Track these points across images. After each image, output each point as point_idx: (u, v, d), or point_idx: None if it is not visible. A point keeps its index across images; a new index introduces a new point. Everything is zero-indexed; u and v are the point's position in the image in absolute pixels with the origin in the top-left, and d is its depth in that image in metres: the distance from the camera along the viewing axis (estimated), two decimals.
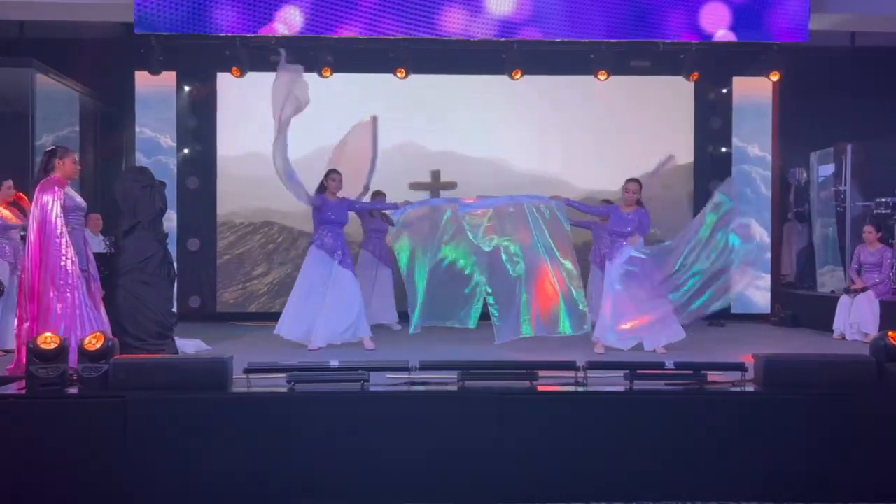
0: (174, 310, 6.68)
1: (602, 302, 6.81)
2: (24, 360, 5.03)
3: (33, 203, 5.33)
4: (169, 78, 9.15)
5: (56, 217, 5.21)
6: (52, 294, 5.14)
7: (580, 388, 4.66)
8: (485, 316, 6.96)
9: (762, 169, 9.72)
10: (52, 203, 5.23)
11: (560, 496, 4.39)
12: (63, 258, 5.18)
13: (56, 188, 5.29)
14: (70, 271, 5.19)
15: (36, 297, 5.14)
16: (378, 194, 8.28)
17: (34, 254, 5.17)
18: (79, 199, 5.48)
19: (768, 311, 9.41)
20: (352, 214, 7.57)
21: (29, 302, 5.18)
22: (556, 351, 6.43)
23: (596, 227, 8.40)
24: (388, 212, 7.94)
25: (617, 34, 8.16)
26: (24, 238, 6.04)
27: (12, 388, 4.61)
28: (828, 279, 9.42)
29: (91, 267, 5.49)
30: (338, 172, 6.99)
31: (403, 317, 8.24)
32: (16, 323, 5.39)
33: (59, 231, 5.20)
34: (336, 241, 6.83)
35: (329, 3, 7.89)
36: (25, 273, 5.27)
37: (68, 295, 5.17)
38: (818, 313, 8.38)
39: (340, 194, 6.98)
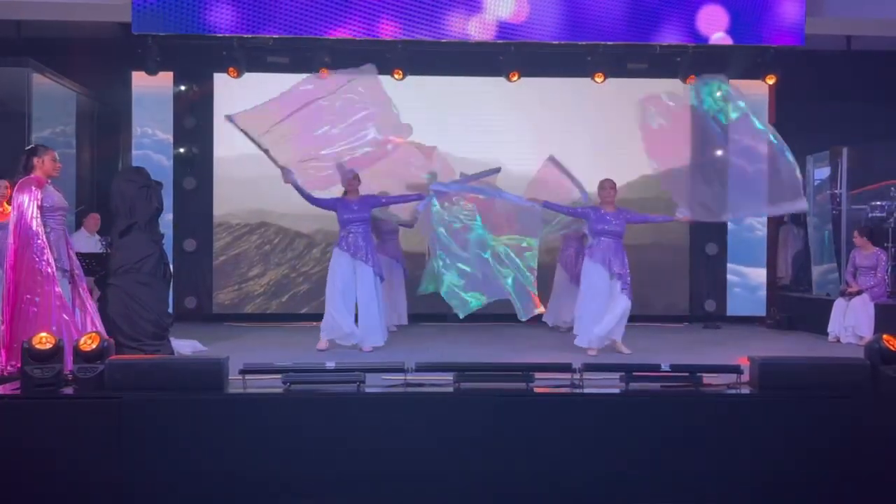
0: (170, 310, 6.69)
1: (583, 303, 6.72)
2: (5, 361, 5.03)
3: (11, 204, 5.24)
4: (166, 78, 9.13)
5: (31, 218, 5.10)
6: (26, 297, 5.06)
7: (576, 390, 4.67)
8: (480, 317, 6.96)
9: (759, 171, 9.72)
10: (27, 203, 5.12)
11: (556, 497, 4.39)
12: (39, 260, 5.08)
13: (33, 188, 5.17)
14: (47, 274, 5.08)
15: (11, 300, 5.06)
16: (384, 194, 8.24)
17: (10, 256, 5.10)
18: (59, 198, 5.35)
19: (764, 313, 9.43)
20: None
21: (5, 304, 5.13)
22: (552, 353, 6.44)
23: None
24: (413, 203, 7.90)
25: (614, 37, 8.17)
26: None
27: (7, 389, 4.60)
28: (823, 282, 9.44)
29: (75, 267, 5.41)
30: (354, 171, 7.00)
31: (423, 317, 8.34)
32: None
33: (35, 232, 5.09)
34: (357, 239, 6.80)
35: (326, 4, 7.89)
36: (5, 274, 5.21)
37: (44, 298, 5.07)
38: (813, 316, 8.39)
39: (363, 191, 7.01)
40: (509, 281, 6.49)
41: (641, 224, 7.12)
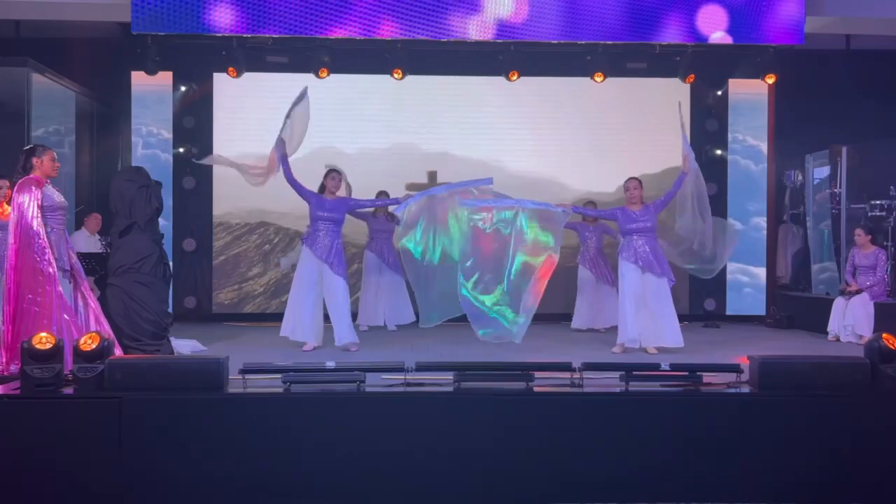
0: (170, 310, 6.68)
1: (623, 303, 6.73)
2: (7, 361, 5.03)
3: (11, 204, 5.23)
4: (165, 78, 9.13)
5: (32, 218, 5.10)
6: (28, 297, 5.05)
7: (576, 390, 4.67)
8: None
9: (758, 171, 9.74)
10: (28, 203, 5.11)
11: (556, 497, 4.39)
12: (40, 260, 5.07)
13: (33, 188, 5.17)
14: (48, 273, 5.08)
15: (12, 300, 5.06)
16: (381, 194, 8.26)
17: (11, 256, 5.09)
18: (58, 198, 5.34)
19: (763, 312, 9.43)
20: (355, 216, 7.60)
21: (5, 304, 5.12)
22: (552, 352, 6.44)
23: (582, 227, 8.42)
24: (391, 207, 7.94)
25: (613, 36, 8.17)
26: None
27: (7, 389, 4.60)
28: (822, 281, 9.44)
29: (75, 267, 5.39)
30: (337, 172, 7.02)
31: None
32: None
33: (36, 232, 5.09)
34: (327, 239, 6.78)
35: (326, 4, 7.89)
36: (5, 275, 5.20)
37: (45, 298, 5.06)
38: (813, 315, 8.40)
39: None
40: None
41: (675, 196, 7.04)
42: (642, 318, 6.68)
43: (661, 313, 6.70)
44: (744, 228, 9.55)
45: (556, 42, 8.24)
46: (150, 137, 9.32)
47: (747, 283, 9.64)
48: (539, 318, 8.20)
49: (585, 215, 7.94)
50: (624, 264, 6.77)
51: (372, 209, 8.29)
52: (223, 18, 7.85)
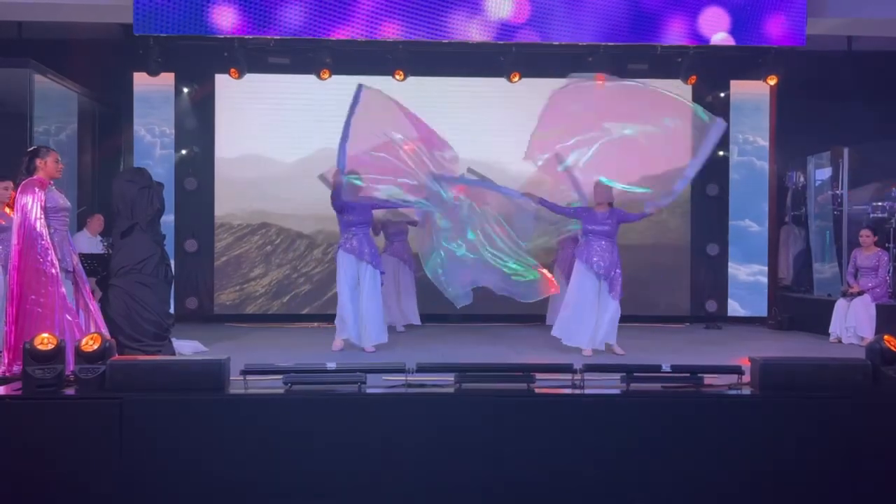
0: (171, 311, 6.69)
1: (568, 302, 6.75)
2: (10, 362, 5.04)
3: (15, 205, 5.24)
4: (167, 79, 9.14)
5: (36, 219, 5.11)
6: (31, 297, 5.06)
7: (577, 391, 4.68)
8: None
9: (759, 172, 9.73)
10: (31, 204, 5.13)
11: (556, 498, 4.39)
12: (43, 261, 5.08)
13: (36, 189, 5.18)
14: (51, 274, 5.09)
15: (15, 301, 5.06)
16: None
17: (15, 257, 5.10)
18: (62, 199, 5.36)
19: (765, 314, 9.43)
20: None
21: (9, 305, 5.13)
22: (553, 353, 6.45)
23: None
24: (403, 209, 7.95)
25: (615, 37, 8.17)
26: None
27: (8, 389, 4.61)
28: (823, 282, 9.44)
29: (77, 269, 5.39)
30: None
31: (425, 318, 8.35)
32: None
33: (39, 233, 5.10)
34: (362, 242, 6.83)
35: (328, 5, 7.89)
36: (8, 276, 5.21)
37: (48, 299, 5.06)
38: (815, 317, 8.40)
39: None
40: (510, 264, 6.58)
41: (634, 222, 7.11)
42: (590, 319, 6.67)
43: (602, 318, 6.67)
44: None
45: (557, 43, 8.24)
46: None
47: (749, 284, 9.63)
48: (538, 319, 8.27)
49: (550, 209, 7.62)
50: (578, 265, 6.79)
51: (383, 213, 8.26)
52: (225, 20, 7.85)
